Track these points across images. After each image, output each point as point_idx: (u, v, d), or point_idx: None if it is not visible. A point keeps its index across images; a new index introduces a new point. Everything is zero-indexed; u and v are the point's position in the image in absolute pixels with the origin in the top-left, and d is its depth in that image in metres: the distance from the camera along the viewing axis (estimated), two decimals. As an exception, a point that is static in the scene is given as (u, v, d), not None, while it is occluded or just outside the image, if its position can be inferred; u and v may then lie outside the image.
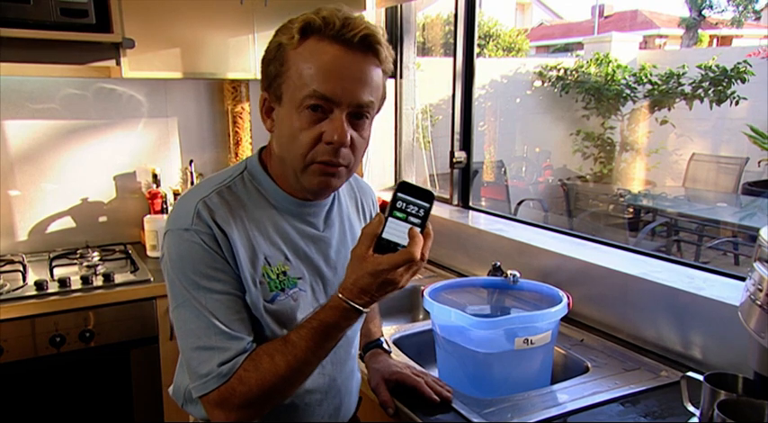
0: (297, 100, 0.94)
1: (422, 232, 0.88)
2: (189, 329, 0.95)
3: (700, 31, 8.90)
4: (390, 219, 0.88)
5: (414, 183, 0.89)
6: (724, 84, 5.27)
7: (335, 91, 0.92)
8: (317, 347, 0.93)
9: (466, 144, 2.36)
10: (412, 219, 0.88)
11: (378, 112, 1.02)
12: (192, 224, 0.95)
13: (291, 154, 0.96)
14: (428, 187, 0.92)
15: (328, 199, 1.09)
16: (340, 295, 0.91)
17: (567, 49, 9.84)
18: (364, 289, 0.89)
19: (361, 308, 0.90)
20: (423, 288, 1.41)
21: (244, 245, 0.97)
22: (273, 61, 0.97)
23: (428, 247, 0.89)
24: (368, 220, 1.21)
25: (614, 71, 5.82)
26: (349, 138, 0.94)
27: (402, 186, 0.88)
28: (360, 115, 0.96)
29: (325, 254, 1.07)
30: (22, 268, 1.98)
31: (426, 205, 0.88)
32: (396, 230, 0.87)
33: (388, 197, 1.24)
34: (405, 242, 0.87)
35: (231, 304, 0.95)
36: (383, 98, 1.02)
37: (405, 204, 0.88)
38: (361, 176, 1.68)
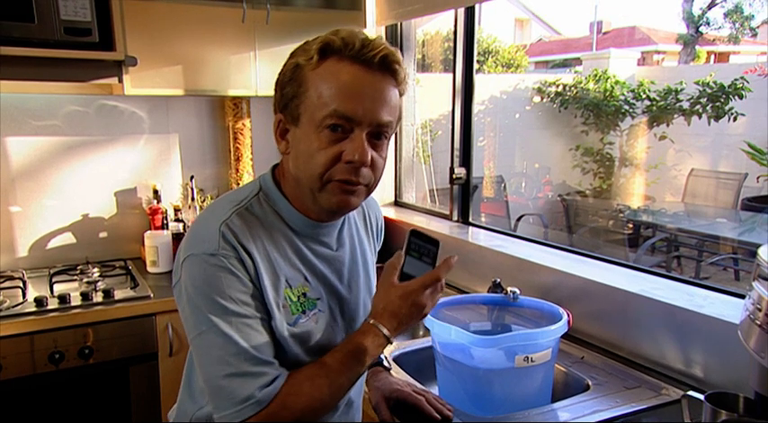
0: (316, 120, 0.93)
1: (432, 268, 1.00)
2: (216, 356, 0.92)
3: (697, 47, 8.98)
4: (408, 257, 1.01)
5: (422, 230, 1.03)
6: (722, 100, 5.29)
7: (356, 110, 0.92)
8: (350, 370, 0.97)
9: (465, 160, 2.37)
10: (425, 258, 1.01)
11: (394, 132, 1.03)
12: (218, 248, 0.92)
13: (308, 173, 0.96)
14: (430, 224, 0.99)
15: (340, 218, 1.09)
16: (371, 321, 0.96)
17: (565, 64, 9.91)
18: (395, 312, 0.96)
19: (388, 334, 0.97)
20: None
21: (266, 268, 0.96)
22: (290, 82, 0.96)
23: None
24: (375, 234, 1.22)
25: (612, 87, 5.85)
26: (370, 157, 0.94)
27: (413, 233, 1.02)
28: (379, 135, 0.96)
29: (340, 273, 1.08)
30: (21, 284, 1.98)
31: (434, 249, 1.02)
32: (413, 266, 1.00)
33: (386, 213, 1.25)
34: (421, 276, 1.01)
35: (260, 328, 0.94)
36: (399, 119, 1.03)
37: (417, 246, 1.01)
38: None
